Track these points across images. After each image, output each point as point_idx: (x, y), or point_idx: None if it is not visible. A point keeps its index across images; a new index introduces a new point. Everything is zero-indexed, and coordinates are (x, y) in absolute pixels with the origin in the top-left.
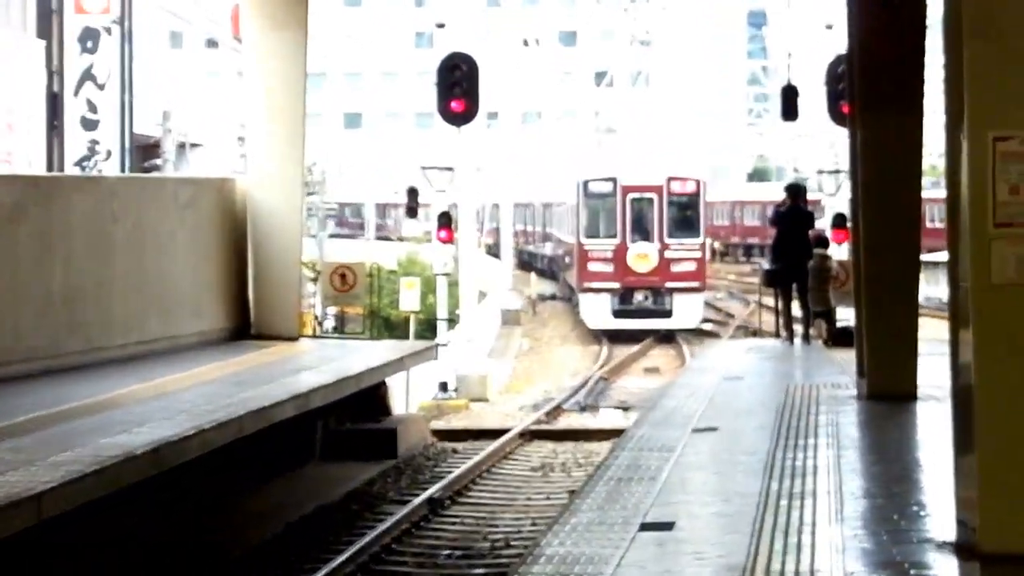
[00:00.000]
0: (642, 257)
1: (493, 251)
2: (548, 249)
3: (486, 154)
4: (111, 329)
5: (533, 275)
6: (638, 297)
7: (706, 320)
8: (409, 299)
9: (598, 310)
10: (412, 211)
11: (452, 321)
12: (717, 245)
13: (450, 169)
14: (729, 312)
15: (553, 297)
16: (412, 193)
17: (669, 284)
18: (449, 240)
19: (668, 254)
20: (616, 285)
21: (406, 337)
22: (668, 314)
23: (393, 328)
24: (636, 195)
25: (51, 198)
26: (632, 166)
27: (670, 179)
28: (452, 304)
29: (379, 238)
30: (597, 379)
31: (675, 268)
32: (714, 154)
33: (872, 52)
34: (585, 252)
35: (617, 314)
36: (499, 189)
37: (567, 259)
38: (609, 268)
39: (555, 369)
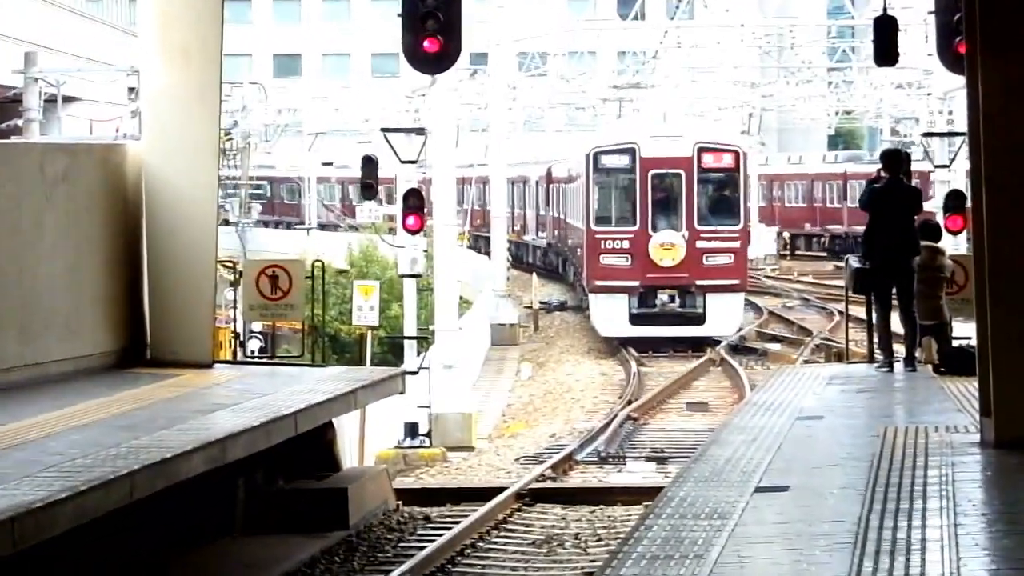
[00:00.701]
0: (667, 249)
1: (480, 244)
2: (554, 238)
3: (470, 112)
4: None
5: (535, 277)
6: (662, 298)
7: (772, 337)
8: (365, 310)
9: (613, 315)
10: (369, 189)
11: (424, 340)
12: (786, 235)
13: (421, 132)
14: (804, 327)
15: (563, 307)
16: (369, 165)
17: (700, 282)
18: (419, 229)
19: (699, 244)
20: (635, 284)
21: (361, 362)
22: (699, 319)
23: (343, 350)
24: (659, 170)
25: None
26: (656, 132)
27: (701, 149)
28: (424, 317)
29: (323, 227)
30: (623, 419)
31: (708, 262)
32: (784, 111)
33: None
34: (596, 242)
35: (636, 319)
36: (488, 160)
37: (578, 252)
38: (626, 262)
39: (565, 405)
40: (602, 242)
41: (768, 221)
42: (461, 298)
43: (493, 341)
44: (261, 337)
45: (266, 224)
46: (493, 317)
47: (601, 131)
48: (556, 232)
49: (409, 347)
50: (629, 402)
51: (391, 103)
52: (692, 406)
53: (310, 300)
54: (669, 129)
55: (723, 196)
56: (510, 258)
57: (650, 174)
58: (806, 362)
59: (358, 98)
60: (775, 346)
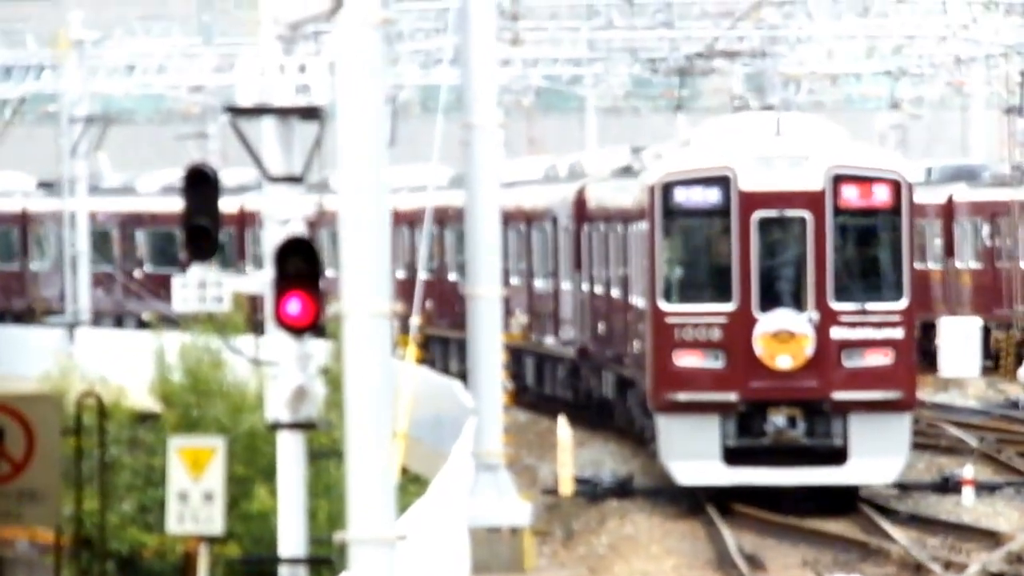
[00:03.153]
0: (783, 341)
1: (442, 354)
2: (596, 337)
3: (420, 73)
4: None
5: (563, 420)
6: (776, 421)
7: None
8: (193, 501)
9: (696, 449)
10: (199, 240)
11: (325, 564)
12: (996, 332)
13: (312, 115)
14: None
15: (626, 488)
16: (198, 187)
17: (839, 395)
18: (310, 322)
19: (837, 334)
20: (732, 397)
21: None
22: (839, 455)
23: None
24: (771, 212)
25: None
26: (765, 151)
27: (839, 178)
28: (325, 514)
29: (102, 320)
30: None
31: (850, 362)
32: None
33: None
34: (667, 330)
35: (734, 456)
36: (456, 176)
37: (635, 346)
38: (718, 363)
39: None
40: (676, 330)
41: (952, 302)
42: (405, 471)
43: (476, 564)
44: None
45: None
46: (475, 514)
47: (665, 146)
48: (599, 323)
49: None
50: None
51: (245, 57)
52: None
53: (73, 482)
54: (786, 146)
55: (874, 255)
56: (509, 384)
57: (756, 218)
58: None
59: (175, 47)
60: None
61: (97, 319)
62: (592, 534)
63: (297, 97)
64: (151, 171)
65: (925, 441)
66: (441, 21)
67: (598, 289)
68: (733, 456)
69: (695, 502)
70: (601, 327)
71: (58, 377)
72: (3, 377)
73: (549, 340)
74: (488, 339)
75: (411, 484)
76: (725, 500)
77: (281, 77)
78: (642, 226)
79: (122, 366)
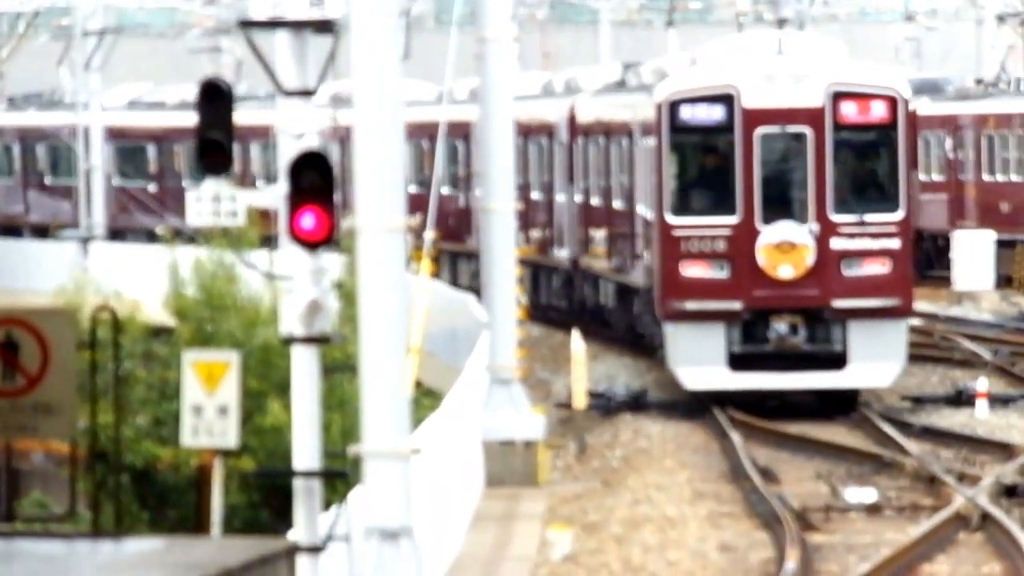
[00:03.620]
0: (786, 251)
1: (457, 269)
2: (611, 249)
3: None
4: None
5: (578, 338)
6: (779, 328)
7: None
8: (208, 415)
9: (702, 355)
10: (213, 153)
11: (339, 479)
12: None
13: (326, 28)
14: None
15: (639, 401)
16: (213, 101)
17: (839, 303)
18: (325, 236)
19: (836, 244)
20: (736, 306)
21: (200, 526)
22: (838, 360)
23: (163, 499)
24: (773, 128)
25: None
26: (768, 69)
27: (838, 95)
28: (339, 429)
29: (118, 234)
30: None
31: (849, 271)
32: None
33: None
34: (674, 243)
35: (739, 361)
36: (473, 88)
37: (643, 259)
38: (722, 273)
39: None
40: (683, 242)
41: (957, 210)
42: (419, 385)
43: (490, 478)
44: None
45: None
46: (489, 427)
47: (670, 61)
48: (593, 234)
49: (305, 492)
50: None
51: None
52: None
53: (91, 394)
54: (787, 64)
55: (873, 169)
56: (524, 298)
57: (759, 134)
58: None
59: None
60: None
61: (115, 234)
62: (606, 447)
63: (311, 10)
64: (161, 85)
65: (939, 354)
66: None
67: (594, 201)
68: (737, 362)
69: (709, 415)
70: (598, 238)
71: (73, 291)
72: (18, 291)
73: (567, 254)
74: (502, 253)
75: (425, 398)
76: (737, 411)
77: None
78: (644, 143)
79: (136, 280)
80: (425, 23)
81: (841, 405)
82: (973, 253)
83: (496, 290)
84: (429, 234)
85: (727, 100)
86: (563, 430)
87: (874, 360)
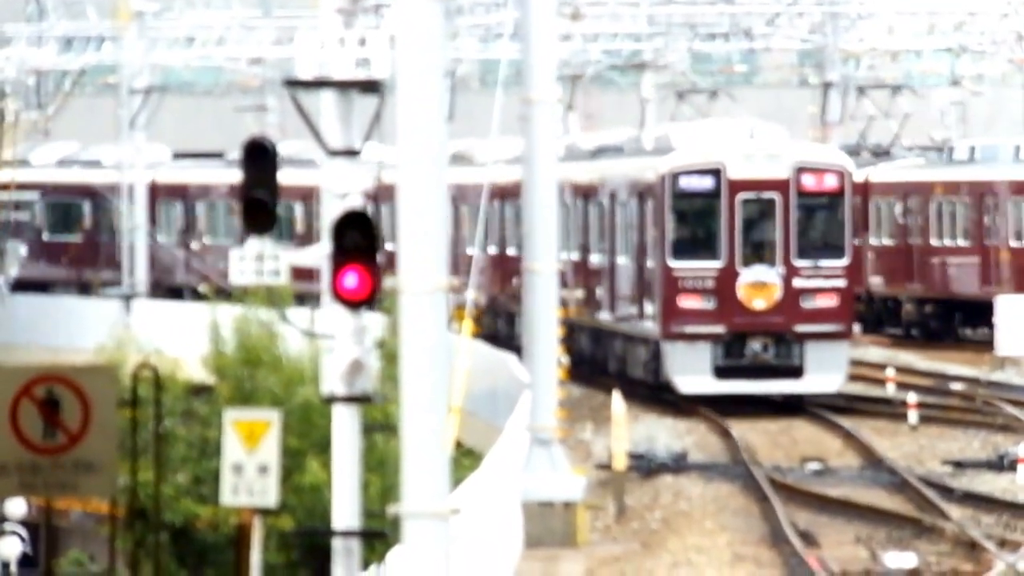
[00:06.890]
0: (759, 288)
1: (500, 329)
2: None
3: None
4: None
5: (617, 395)
6: (753, 347)
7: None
8: (248, 474)
9: (694, 366)
10: (257, 212)
11: (378, 539)
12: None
13: (372, 88)
14: None
15: (680, 463)
16: (257, 160)
17: (799, 327)
18: (368, 296)
19: (797, 283)
20: (720, 330)
21: None
22: (797, 371)
23: (203, 557)
24: (750, 194)
25: None
26: (748, 150)
27: (800, 169)
28: (378, 488)
29: (159, 290)
30: None
31: (807, 303)
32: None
33: None
34: (673, 280)
35: (722, 372)
36: (514, 151)
37: (651, 294)
38: (710, 304)
39: None
40: (680, 280)
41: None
42: (459, 445)
43: (528, 539)
44: (24, 533)
45: (34, 286)
46: (528, 488)
47: (661, 134)
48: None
49: (344, 552)
50: None
51: (305, 30)
52: None
53: (133, 453)
54: (765, 145)
55: (826, 225)
56: (565, 359)
57: (739, 199)
58: None
59: (235, 19)
60: None
61: (158, 290)
62: (645, 509)
63: (357, 71)
64: (164, 143)
65: (981, 419)
66: None
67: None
68: (721, 372)
69: (750, 478)
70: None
71: (114, 348)
72: (60, 348)
73: (609, 317)
74: (544, 313)
75: (465, 458)
76: (776, 473)
77: (341, 50)
78: (654, 204)
79: (176, 336)
80: (470, 84)
81: (796, 404)
82: (1015, 318)
83: (537, 349)
84: (470, 294)
85: (716, 172)
86: (603, 491)
87: (824, 372)
